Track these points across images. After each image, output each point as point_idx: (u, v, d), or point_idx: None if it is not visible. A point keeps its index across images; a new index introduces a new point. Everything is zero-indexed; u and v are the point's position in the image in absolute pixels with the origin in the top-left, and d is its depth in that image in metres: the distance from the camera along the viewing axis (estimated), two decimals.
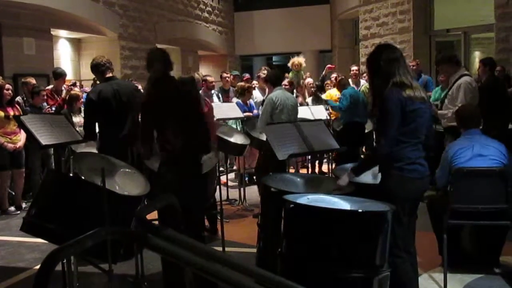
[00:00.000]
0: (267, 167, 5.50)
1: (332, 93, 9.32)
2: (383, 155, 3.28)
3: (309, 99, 9.69)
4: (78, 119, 7.72)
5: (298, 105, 7.29)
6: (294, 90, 9.01)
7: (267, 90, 8.88)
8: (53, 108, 8.01)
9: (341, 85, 8.49)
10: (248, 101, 8.70)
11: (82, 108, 7.99)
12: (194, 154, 4.05)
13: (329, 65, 11.35)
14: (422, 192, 3.56)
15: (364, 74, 10.14)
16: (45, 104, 8.09)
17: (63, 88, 8.60)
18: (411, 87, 3.30)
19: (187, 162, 3.96)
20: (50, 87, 8.90)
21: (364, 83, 10.04)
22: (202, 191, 4.27)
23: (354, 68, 10.27)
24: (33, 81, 8.20)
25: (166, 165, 3.97)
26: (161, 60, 4.08)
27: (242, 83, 9.77)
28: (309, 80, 10.70)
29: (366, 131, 8.39)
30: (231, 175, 9.27)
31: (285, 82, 8.66)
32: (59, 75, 8.70)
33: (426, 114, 3.40)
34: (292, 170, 6.58)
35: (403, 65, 3.38)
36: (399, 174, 3.30)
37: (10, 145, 7.09)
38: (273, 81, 6.73)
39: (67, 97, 7.97)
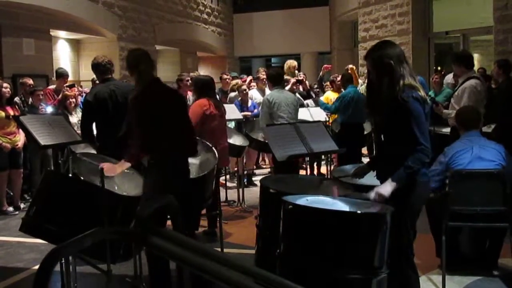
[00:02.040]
0: (282, 168, 5.52)
1: (329, 96, 9.26)
2: (429, 158, 3.19)
3: (309, 101, 9.70)
4: (75, 119, 7.73)
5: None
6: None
7: (266, 90, 8.94)
8: (46, 107, 7.95)
9: (344, 80, 8.27)
10: (249, 100, 8.71)
11: (78, 109, 8.05)
12: (183, 154, 4.03)
13: (325, 65, 11.34)
14: None
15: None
16: (43, 104, 8.07)
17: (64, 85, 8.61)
18: (418, 89, 3.18)
19: (176, 162, 3.95)
20: (52, 87, 8.90)
21: (361, 82, 10.06)
22: (194, 191, 4.25)
23: (351, 66, 10.23)
24: (29, 81, 8.20)
25: (155, 166, 3.88)
26: (148, 61, 4.01)
27: (238, 81, 9.84)
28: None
29: (365, 132, 8.33)
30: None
31: (293, 80, 8.68)
32: (60, 75, 8.73)
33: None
34: None
35: (409, 65, 3.25)
36: (420, 180, 3.22)
37: (8, 146, 7.09)
38: (273, 79, 6.72)
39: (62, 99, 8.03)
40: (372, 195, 3.15)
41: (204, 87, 5.84)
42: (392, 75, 3.17)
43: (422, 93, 3.18)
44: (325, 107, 8.23)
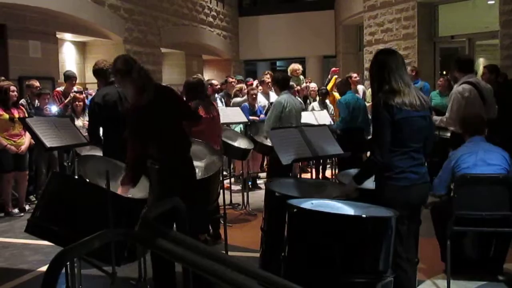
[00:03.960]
0: (277, 170, 5.49)
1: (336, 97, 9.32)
2: (379, 164, 3.26)
3: (315, 103, 9.71)
4: (81, 123, 7.75)
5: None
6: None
7: (270, 94, 8.96)
8: (51, 107, 8.01)
9: (341, 88, 8.28)
10: (256, 105, 8.72)
11: (87, 112, 8.08)
12: (184, 157, 4.05)
13: (333, 68, 11.33)
14: (420, 199, 3.46)
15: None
16: (49, 105, 8.10)
17: (73, 90, 8.65)
18: (401, 94, 3.23)
19: (177, 166, 3.95)
20: (60, 89, 8.94)
21: (362, 88, 10.09)
22: (199, 193, 4.28)
23: (354, 75, 10.23)
24: (36, 83, 8.24)
25: (158, 171, 3.89)
26: (138, 68, 3.86)
27: (241, 85, 9.86)
28: (313, 85, 10.77)
29: (369, 137, 8.31)
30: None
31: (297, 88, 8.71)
32: (67, 78, 8.80)
33: (419, 122, 3.31)
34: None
35: (398, 71, 3.30)
36: (388, 183, 3.28)
37: (13, 148, 7.10)
38: (281, 84, 6.70)
39: (70, 102, 8.08)
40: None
41: (192, 91, 5.74)
42: (376, 83, 3.37)
43: (401, 99, 3.23)
44: (337, 125, 8.12)
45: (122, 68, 3.81)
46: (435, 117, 5.97)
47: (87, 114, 7.90)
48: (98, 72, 5.31)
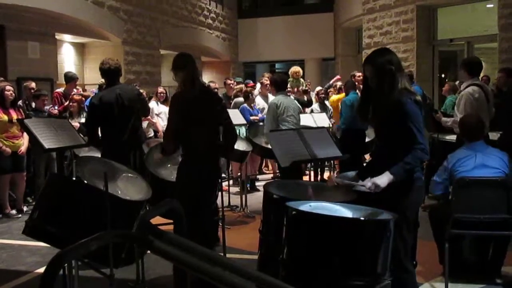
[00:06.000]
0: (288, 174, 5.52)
1: (334, 99, 9.34)
2: (428, 156, 3.27)
3: (315, 105, 9.74)
4: (76, 123, 7.76)
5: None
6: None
7: (269, 96, 8.96)
8: (56, 108, 8.07)
9: (346, 88, 8.37)
10: (252, 105, 8.72)
11: (82, 113, 8.09)
12: (215, 155, 4.28)
13: (337, 76, 11.46)
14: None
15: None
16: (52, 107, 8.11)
17: (74, 91, 8.64)
18: (415, 93, 3.31)
19: (208, 162, 4.20)
20: (60, 90, 8.92)
21: None
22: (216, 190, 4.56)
23: (358, 74, 10.29)
24: (31, 85, 8.23)
25: (187, 165, 4.18)
26: (191, 65, 4.35)
27: (241, 86, 9.86)
28: (319, 88, 10.84)
29: (368, 139, 8.32)
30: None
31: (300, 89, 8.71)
32: (70, 79, 8.77)
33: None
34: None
35: (403, 71, 3.41)
36: (415, 184, 3.27)
37: (7, 150, 7.06)
38: (278, 85, 6.71)
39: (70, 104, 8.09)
40: (368, 184, 3.19)
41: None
42: (392, 81, 3.29)
43: (418, 97, 3.31)
44: (341, 124, 8.16)
45: (173, 65, 4.44)
46: (445, 119, 6.01)
47: (82, 116, 7.92)
48: (100, 71, 5.30)
